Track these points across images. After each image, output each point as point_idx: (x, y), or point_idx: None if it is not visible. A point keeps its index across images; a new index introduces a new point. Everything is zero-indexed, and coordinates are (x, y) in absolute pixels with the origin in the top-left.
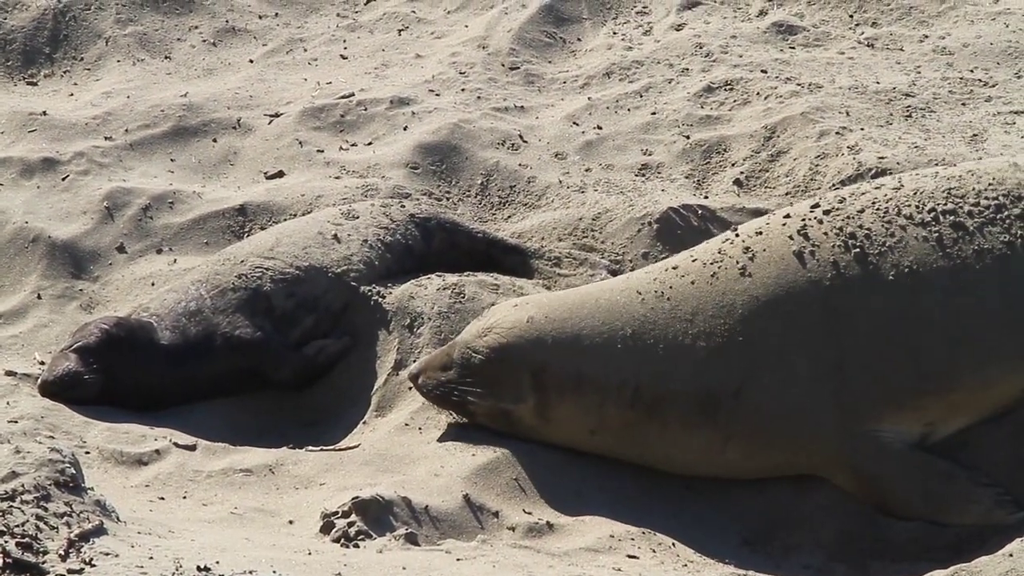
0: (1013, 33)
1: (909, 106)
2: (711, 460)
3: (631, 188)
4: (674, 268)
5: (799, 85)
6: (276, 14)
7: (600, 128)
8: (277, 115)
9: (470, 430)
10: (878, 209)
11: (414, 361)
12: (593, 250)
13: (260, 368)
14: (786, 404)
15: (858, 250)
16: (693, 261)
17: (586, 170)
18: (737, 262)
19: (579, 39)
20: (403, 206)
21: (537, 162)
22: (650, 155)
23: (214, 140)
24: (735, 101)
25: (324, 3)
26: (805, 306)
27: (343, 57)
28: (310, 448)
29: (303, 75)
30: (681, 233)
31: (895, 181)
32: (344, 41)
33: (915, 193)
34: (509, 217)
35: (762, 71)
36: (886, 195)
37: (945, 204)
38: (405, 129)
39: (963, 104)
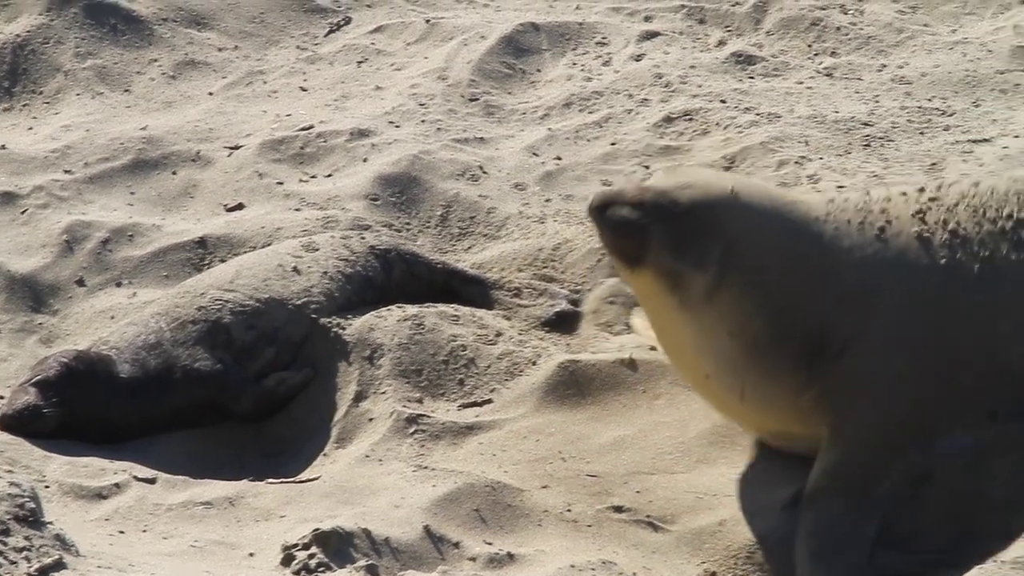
0: (971, 62)
1: (868, 135)
2: (787, 405)
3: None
4: (831, 201)
5: (758, 115)
6: (236, 47)
7: (560, 159)
8: (237, 147)
9: (430, 459)
10: (968, 206)
11: (374, 392)
12: (553, 280)
13: (220, 400)
14: (878, 376)
15: (960, 255)
16: (845, 201)
17: (546, 200)
18: (877, 221)
19: (539, 70)
20: (363, 238)
21: (497, 193)
22: (610, 185)
23: (174, 173)
24: (695, 131)
25: (284, 35)
26: (920, 288)
27: (303, 89)
28: (270, 480)
29: (263, 107)
30: None
31: (970, 177)
32: (304, 73)
33: (991, 193)
34: (469, 248)
35: (721, 101)
36: (972, 191)
37: (1020, 213)
38: (365, 161)
39: (921, 133)
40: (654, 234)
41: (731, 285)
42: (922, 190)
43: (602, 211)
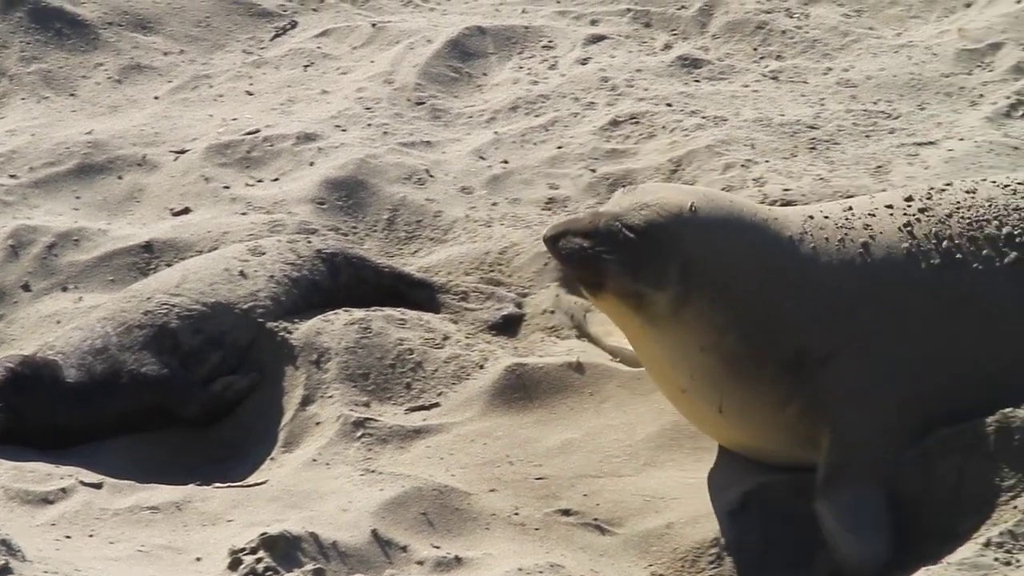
0: (915, 65)
1: (814, 138)
2: (768, 418)
3: (538, 222)
4: (811, 218)
5: (704, 118)
6: (181, 51)
7: (506, 162)
8: (183, 152)
9: (378, 463)
10: (963, 218)
11: (321, 396)
12: (500, 284)
13: (167, 405)
14: (857, 387)
15: (952, 272)
16: (826, 218)
17: (492, 204)
18: (860, 236)
19: (485, 73)
20: (310, 242)
21: (444, 196)
22: (556, 189)
23: (119, 177)
24: (641, 134)
25: (230, 40)
26: (908, 304)
27: (249, 93)
28: (217, 485)
29: (209, 111)
30: None
31: (965, 184)
32: (250, 77)
33: (989, 205)
34: (416, 252)
35: (667, 104)
36: (966, 201)
37: (1020, 236)
38: (311, 165)
39: (867, 136)
40: (609, 261)
41: (697, 300)
42: (910, 199)
43: (556, 242)
